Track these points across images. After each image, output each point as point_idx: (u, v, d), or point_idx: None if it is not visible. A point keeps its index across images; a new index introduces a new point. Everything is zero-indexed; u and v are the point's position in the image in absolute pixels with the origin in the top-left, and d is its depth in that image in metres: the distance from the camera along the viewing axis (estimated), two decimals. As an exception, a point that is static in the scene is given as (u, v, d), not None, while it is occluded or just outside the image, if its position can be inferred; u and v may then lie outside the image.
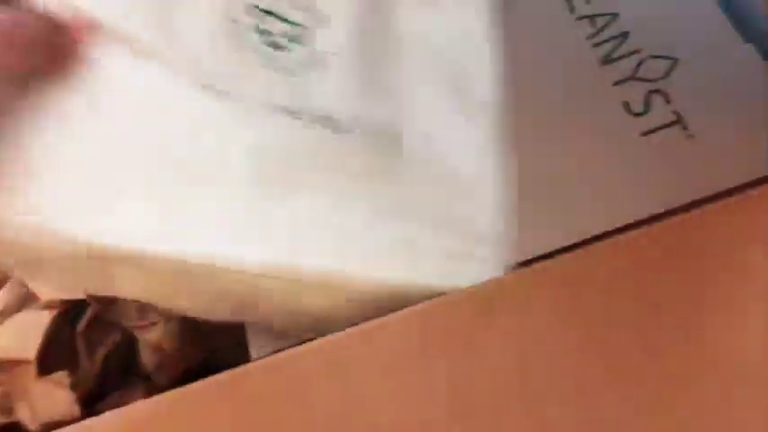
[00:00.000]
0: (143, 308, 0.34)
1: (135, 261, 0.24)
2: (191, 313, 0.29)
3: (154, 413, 0.25)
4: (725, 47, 0.33)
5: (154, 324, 0.34)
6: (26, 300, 0.35)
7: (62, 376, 0.33)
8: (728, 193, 0.27)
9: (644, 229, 0.27)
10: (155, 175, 0.25)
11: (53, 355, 0.34)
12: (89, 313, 0.34)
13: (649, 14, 0.34)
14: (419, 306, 0.25)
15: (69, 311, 0.35)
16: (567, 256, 0.27)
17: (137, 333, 0.35)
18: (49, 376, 0.33)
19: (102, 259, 0.24)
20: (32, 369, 0.33)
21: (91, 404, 0.34)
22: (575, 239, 0.28)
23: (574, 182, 0.30)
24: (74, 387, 0.33)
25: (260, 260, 0.25)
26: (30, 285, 0.35)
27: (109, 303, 0.34)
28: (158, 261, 0.24)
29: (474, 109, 0.30)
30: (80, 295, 0.34)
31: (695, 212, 0.27)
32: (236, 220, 0.25)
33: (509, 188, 0.28)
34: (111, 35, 0.24)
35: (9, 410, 0.34)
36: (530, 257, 0.28)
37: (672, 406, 0.24)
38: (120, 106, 0.25)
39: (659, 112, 0.31)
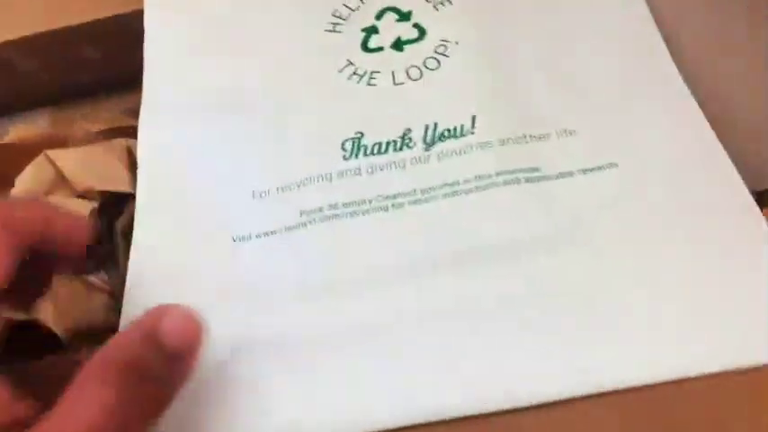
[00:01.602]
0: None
1: None
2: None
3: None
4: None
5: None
6: (56, 182, 0.29)
7: (101, 280, 0.28)
8: None
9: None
10: None
11: (89, 256, 0.29)
12: (130, 209, 0.29)
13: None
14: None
15: (108, 206, 0.29)
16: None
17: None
18: (85, 278, 0.28)
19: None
20: (66, 268, 0.28)
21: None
22: None
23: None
24: (112, 293, 0.28)
25: None
26: (62, 167, 0.29)
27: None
28: None
29: None
30: (123, 187, 0.28)
31: None
32: None
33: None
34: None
35: (31, 308, 0.29)
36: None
37: None
38: None
39: None
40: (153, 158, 0.26)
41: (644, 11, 0.27)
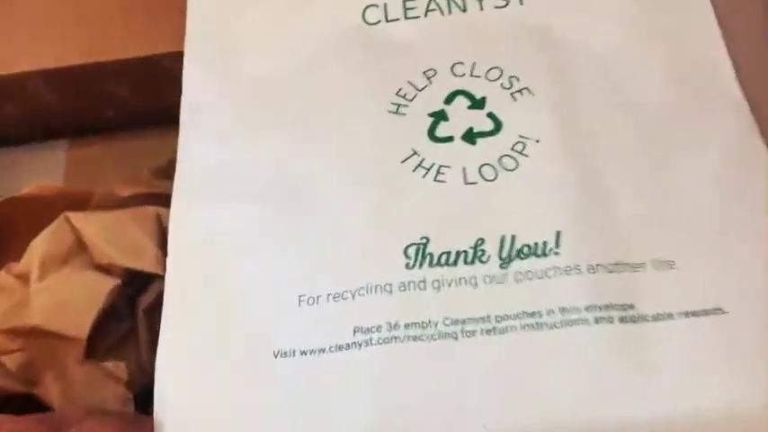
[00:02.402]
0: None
1: None
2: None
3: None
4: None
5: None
6: (75, 250, 0.27)
7: (118, 368, 0.25)
8: None
9: None
10: None
11: (104, 334, 0.26)
12: (155, 288, 0.26)
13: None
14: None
15: (131, 279, 0.26)
16: None
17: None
18: (100, 363, 0.25)
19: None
20: (79, 349, 0.25)
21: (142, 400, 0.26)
22: None
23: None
24: (129, 382, 0.25)
25: None
26: (83, 234, 0.26)
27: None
28: None
29: None
30: (150, 267, 0.26)
31: None
32: None
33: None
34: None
35: (31, 382, 0.27)
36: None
37: None
38: None
39: None
40: (184, 246, 0.24)
41: (746, 116, 0.24)
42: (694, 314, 0.20)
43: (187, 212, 0.24)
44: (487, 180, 0.23)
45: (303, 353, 0.21)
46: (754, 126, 0.23)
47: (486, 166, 0.24)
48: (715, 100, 0.24)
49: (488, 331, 0.20)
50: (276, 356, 0.21)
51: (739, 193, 0.22)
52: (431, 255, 0.22)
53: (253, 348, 0.21)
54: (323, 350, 0.21)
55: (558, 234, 0.22)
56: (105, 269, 0.26)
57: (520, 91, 0.25)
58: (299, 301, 0.22)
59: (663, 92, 0.24)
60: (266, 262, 0.23)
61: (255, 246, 0.23)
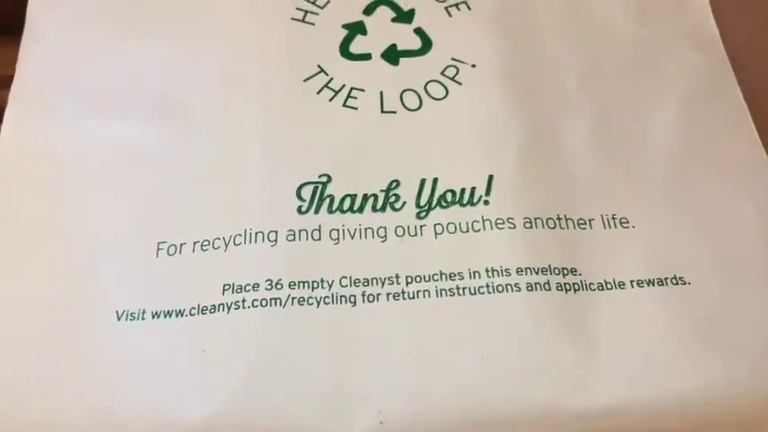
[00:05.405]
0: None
1: None
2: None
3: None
4: None
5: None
6: None
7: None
8: None
9: None
10: None
11: None
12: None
13: None
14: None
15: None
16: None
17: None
18: None
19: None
20: None
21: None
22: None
23: None
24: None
25: None
26: None
27: None
28: None
29: None
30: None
31: None
32: None
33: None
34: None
35: None
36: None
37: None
38: None
39: None
40: (12, 170, 0.18)
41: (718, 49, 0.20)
42: (649, 283, 0.16)
43: (20, 128, 0.19)
44: (409, 109, 0.19)
45: (155, 315, 0.16)
46: (727, 68, 0.20)
47: (408, 93, 0.19)
48: (685, 35, 0.20)
49: (395, 295, 0.16)
50: (120, 318, 0.16)
51: (708, 142, 0.18)
52: (331, 197, 0.17)
53: (91, 308, 0.16)
54: (181, 312, 0.16)
55: (490, 179, 0.17)
56: None
57: (456, 5, 0.21)
58: (158, 249, 0.17)
59: (626, 20, 0.20)
60: (117, 197, 0.17)
61: (104, 175, 0.18)
